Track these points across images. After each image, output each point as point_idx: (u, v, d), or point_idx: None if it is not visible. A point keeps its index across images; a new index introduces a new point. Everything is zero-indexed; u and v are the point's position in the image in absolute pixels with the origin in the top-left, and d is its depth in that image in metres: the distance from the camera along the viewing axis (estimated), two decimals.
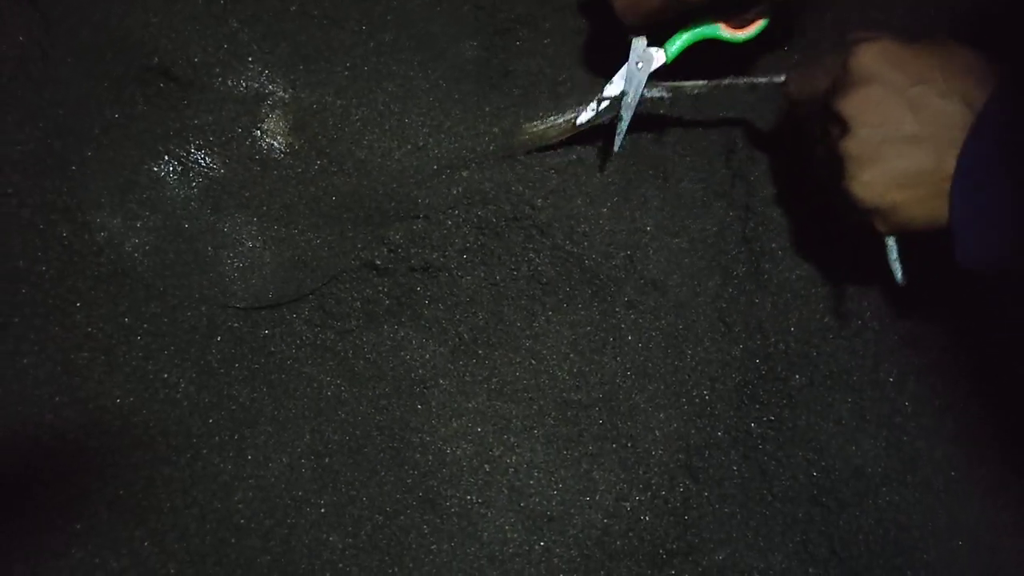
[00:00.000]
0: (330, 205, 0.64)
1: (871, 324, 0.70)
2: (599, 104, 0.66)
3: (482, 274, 0.67)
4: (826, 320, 0.71)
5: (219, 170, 0.63)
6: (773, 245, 0.71)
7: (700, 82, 0.66)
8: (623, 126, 0.64)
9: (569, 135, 0.67)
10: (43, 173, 0.63)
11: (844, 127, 0.53)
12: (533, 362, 0.68)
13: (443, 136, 0.64)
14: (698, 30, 0.63)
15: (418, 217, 0.66)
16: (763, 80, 0.66)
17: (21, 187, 0.63)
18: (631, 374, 0.69)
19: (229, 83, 0.62)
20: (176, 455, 0.61)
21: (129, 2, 0.62)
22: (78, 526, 0.59)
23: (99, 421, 0.61)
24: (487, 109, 0.66)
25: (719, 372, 0.70)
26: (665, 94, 0.66)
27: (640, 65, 0.64)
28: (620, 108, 0.64)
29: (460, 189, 0.65)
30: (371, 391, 0.66)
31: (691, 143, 0.72)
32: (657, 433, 0.68)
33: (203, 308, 0.65)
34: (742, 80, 0.66)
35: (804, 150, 0.63)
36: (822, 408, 0.70)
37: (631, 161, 0.72)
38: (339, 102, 0.63)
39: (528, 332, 0.69)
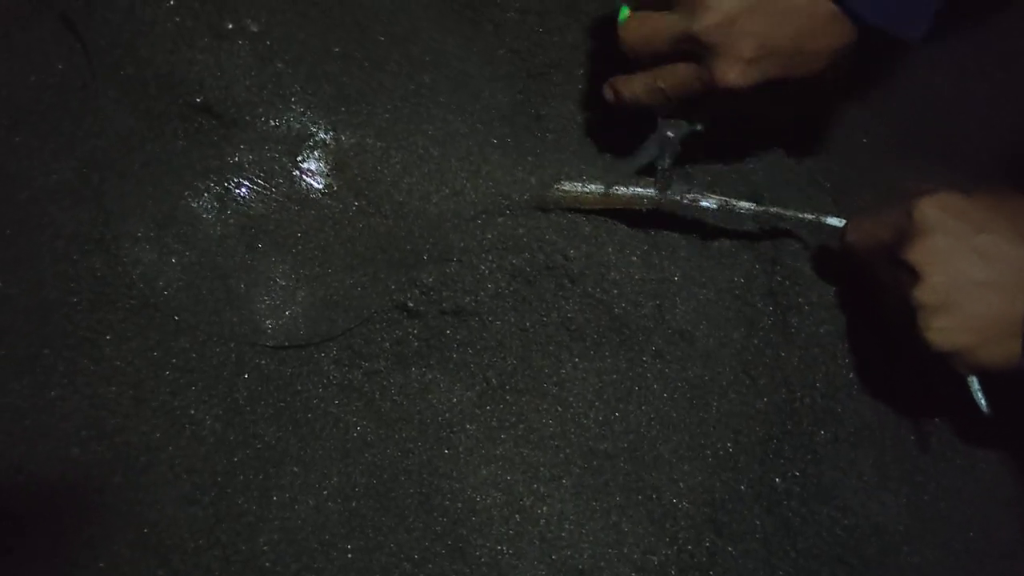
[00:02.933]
0: (365, 246, 0.64)
1: (895, 381, 0.70)
2: (636, 181, 0.67)
3: (512, 319, 0.67)
4: (851, 376, 0.71)
5: (257, 208, 0.64)
6: (800, 299, 0.72)
7: (754, 206, 0.67)
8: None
9: (602, 207, 0.68)
10: (78, 204, 0.63)
11: (914, 276, 0.55)
12: (559, 409, 0.68)
13: (480, 181, 0.65)
14: None
15: (452, 260, 0.66)
16: (820, 219, 0.67)
17: (56, 218, 0.63)
18: (656, 424, 0.69)
19: (272, 123, 0.63)
20: (201, 493, 0.61)
21: (176, 39, 0.62)
22: (101, 564, 0.58)
23: (125, 456, 0.60)
24: (526, 157, 0.67)
25: (743, 425, 0.70)
26: (713, 205, 0.67)
27: (671, 134, 0.65)
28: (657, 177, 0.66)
29: (495, 234, 0.66)
30: (398, 433, 0.65)
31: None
32: (682, 485, 0.68)
33: (231, 344, 0.64)
34: (804, 215, 0.67)
35: (868, 294, 0.65)
36: (846, 464, 0.70)
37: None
38: (379, 144, 0.63)
39: (555, 378, 0.69)
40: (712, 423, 0.70)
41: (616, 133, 0.74)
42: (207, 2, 0.62)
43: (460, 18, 0.75)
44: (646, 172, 0.67)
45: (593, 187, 0.67)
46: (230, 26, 0.62)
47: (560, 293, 0.67)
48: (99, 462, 0.60)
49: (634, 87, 0.62)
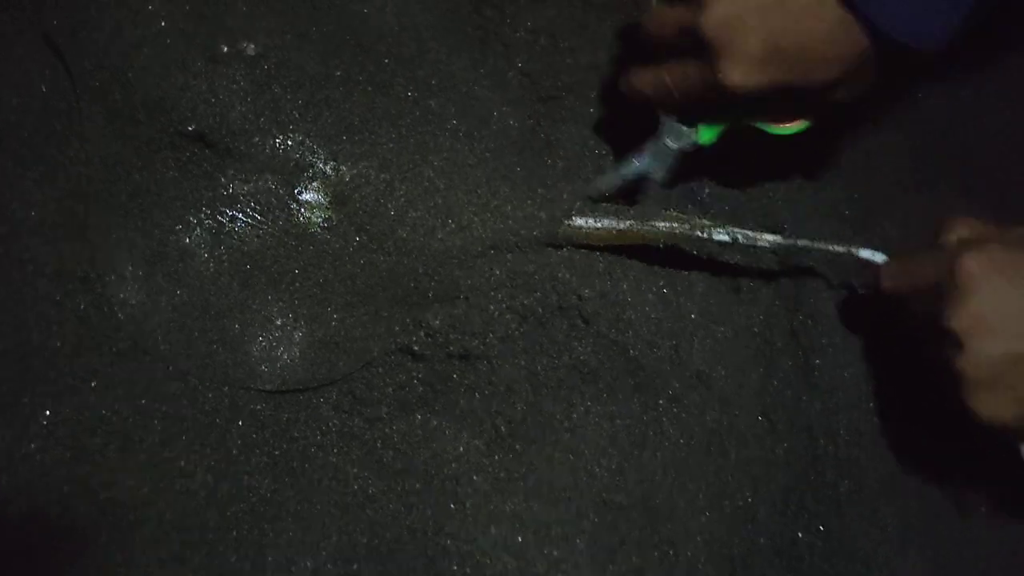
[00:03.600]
0: (366, 284, 0.60)
1: (923, 430, 0.67)
2: (620, 179, 0.64)
3: (523, 362, 0.64)
4: (876, 422, 0.68)
5: (252, 243, 0.59)
6: (823, 340, 0.69)
7: (779, 239, 0.63)
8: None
9: (616, 243, 0.64)
10: (62, 239, 0.59)
11: (957, 343, 0.51)
12: (571, 458, 0.64)
13: (489, 216, 0.61)
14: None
15: (459, 300, 0.62)
16: (852, 251, 0.62)
17: (37, 253, 0.59)
18: (672, 472, 0.66)
19: (268, 152, 0.58)
20: (191, 552, 0.57)
21: (167, 63, 0.57)
22: None
23: (110, 514, 0.56)
24: (537, 190, 0.63)
25: (763, 473, 0.67)
26: (727, 238, 0.62)
27: (670, 142, 0.61)
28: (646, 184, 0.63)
29: (504, 272, 0.62)
30: (400, 486, 0.62)
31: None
32: (699, 539, 0.65)
33: (225, 389, 0.60)
34: (833, 247, 0.63)
35: (901, 340, 0.62)
36: (870, 517, 0.66)
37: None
38: (383, 176, 0.59)
39: (567, 424, 0.65)
40: (730, 471, 0.67)
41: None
42: (201, 23, 0.58)
43: (469, 39, 0.71)
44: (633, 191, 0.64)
45: (606, 222, 0.63)
46: (225, 49, 0.58)
47: (573, 334, 0.64)
48: (82, 520, 0.56)
49: (644, 78, 0.59)
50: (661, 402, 0.66)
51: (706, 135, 0.61)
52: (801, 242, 0.63)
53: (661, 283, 0.68)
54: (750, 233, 0.63)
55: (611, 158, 0.72)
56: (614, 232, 0.63)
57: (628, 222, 0.63)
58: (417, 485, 0.62)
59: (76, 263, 0.59)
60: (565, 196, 0.63)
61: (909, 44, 0.50)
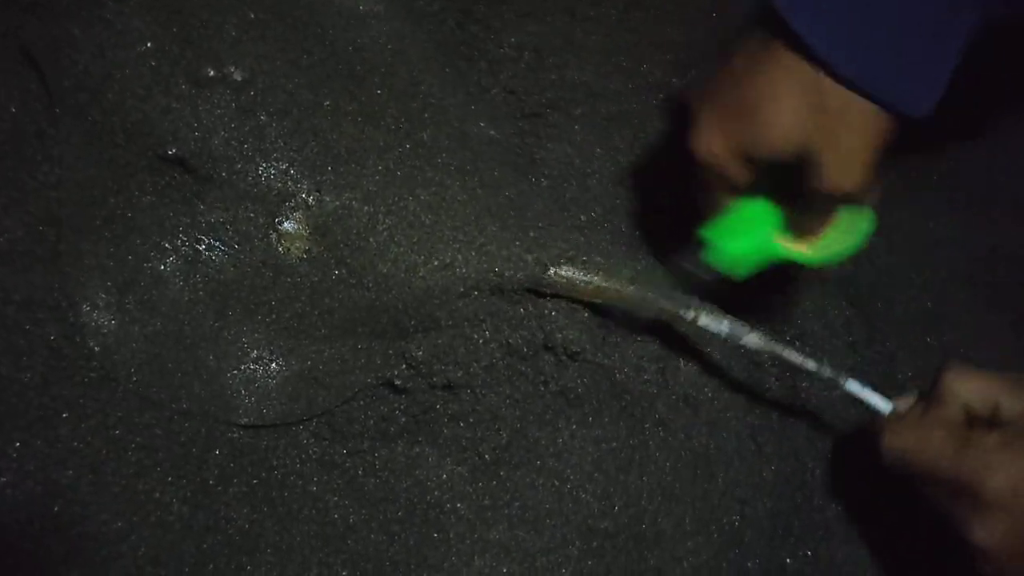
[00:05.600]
0: (345, 318, 0.59)
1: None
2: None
3: (507, 391, 0.63)
4: (863, 444, 0.67)
5: (229, 273, 0.58)
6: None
7: (763, 342, 0.58)
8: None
9: (599, 300, 0.61)
10: (31, 266, 0.58)
11: (983, 555, 0.47)
12: (556, 483, 0.64)
13: (474, 254, 0.59)
14: (753, 238, 0.54)
15: (441, 329, 0.61)
16: (857, 395, 0.57)
17: (5, 280, 0.57)
18: (658, 496, 0.65)
19: (250, 180, 0.57)
20: None
21: (150, 85, 0.56)
22: None
23: (82, 549, 0.55)
24: (527, 232, 0.60)
25: (750, 496, 0.67)
26: (715, 330, 0.59)
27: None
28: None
29: (487, 313, 0.60)
30: (383, 514, 0.60)
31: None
32: (686, 564, 0.64)
33: (200, 418, 0.59)
34: (821, 371, 0.58)
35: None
36: (856, 541, 0.66)
37: (661, 253, 0.68)
38: (366, 208, 0.58)
39: (552, 449, 0.64)
40: (717, 495, 0.66)
41: (611, 179, 0.70)
42: (187, 46, 0.57)
43: (456, 57, 0.70)
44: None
45: (593, 278, 0.60)
46: (211, 73, 0.57)
47: (558, 364, 0.63)
48: (54, 557, 0.54)
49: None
50: (647, 426, 0.66)
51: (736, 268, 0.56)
52: (789, 354, 0.59)
53: None
54: (739, 327, 0.59)
55: (597, 177, 0.71)
56: (600, 289, 0.61)
57: (614, 283, 0.60)
58: (399, 513, 0.60)
59: (46, 291, 0.57)
60: (556, 241, 0.61)
61: (886, 101, 0.45)
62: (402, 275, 0.58)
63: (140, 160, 0.57)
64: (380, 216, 0.57)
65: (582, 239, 0.62)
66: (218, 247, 0.58)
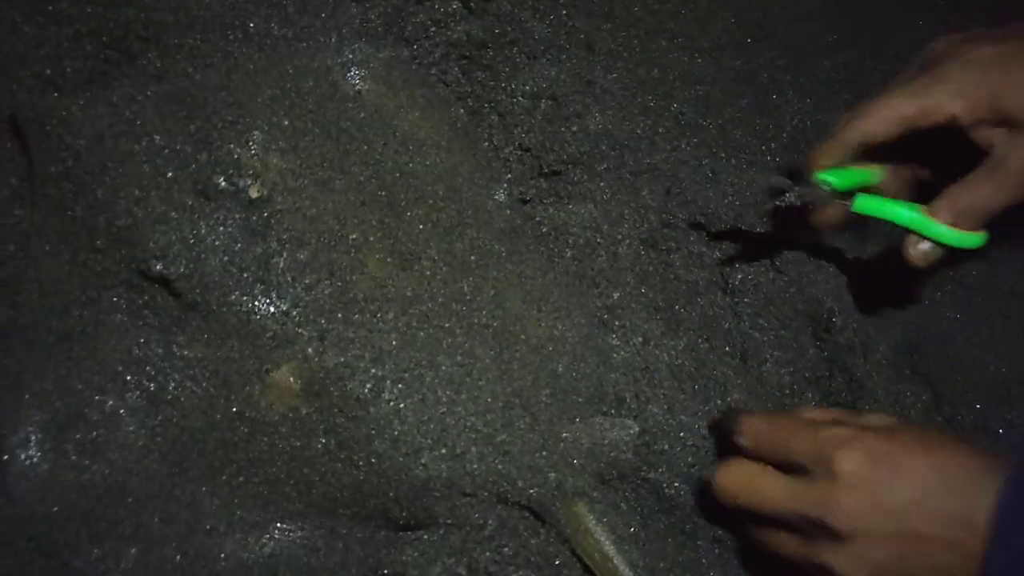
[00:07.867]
0: (324, 495, 0.48)
1: None
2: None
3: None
4: None
5: (196, 421, 0.48)
6: None
7: None
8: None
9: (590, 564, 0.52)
10: None
11: (837, 540, 0.45)
12: None
13: (490, 450, 0.49)
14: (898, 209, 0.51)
15: (436, 527, 0.50)
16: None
17: None
18: None
19: (243, 316, 0.48)
20: None
21: (148, 187, 0.48)
22: None
23: None
24: (560, 434, 0.51)
25: None
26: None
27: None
28: None
29: (492, 519, 0.50)
30: None
31: (774, 315, 0.60)
32: None
33: None
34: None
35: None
36: None
37: (702, 336, 0.59)
38: (374, 371, 0.48)
39: None
40: None
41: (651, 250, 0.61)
42: (202, 149, 0.49)
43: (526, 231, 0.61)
44: None
45: (603, 540, 0.51)
46: (223, 184, 0.48)
47: None
48: None
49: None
50: (700, 543, 0.55)
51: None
52: None
53: (695, 384, 0.59)
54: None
55: (626, 243, 0.61)
56: (603, 557, 0.51)
57: (620, 562, 0.51)
58: None
59: None
60: (586, 464, 0.52)
61: None
62: (401, 458, 0.47)
63: (119, 272, 0.48)
64: (388, 383, 0.48)
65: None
66: (190, 388, 0.48)
